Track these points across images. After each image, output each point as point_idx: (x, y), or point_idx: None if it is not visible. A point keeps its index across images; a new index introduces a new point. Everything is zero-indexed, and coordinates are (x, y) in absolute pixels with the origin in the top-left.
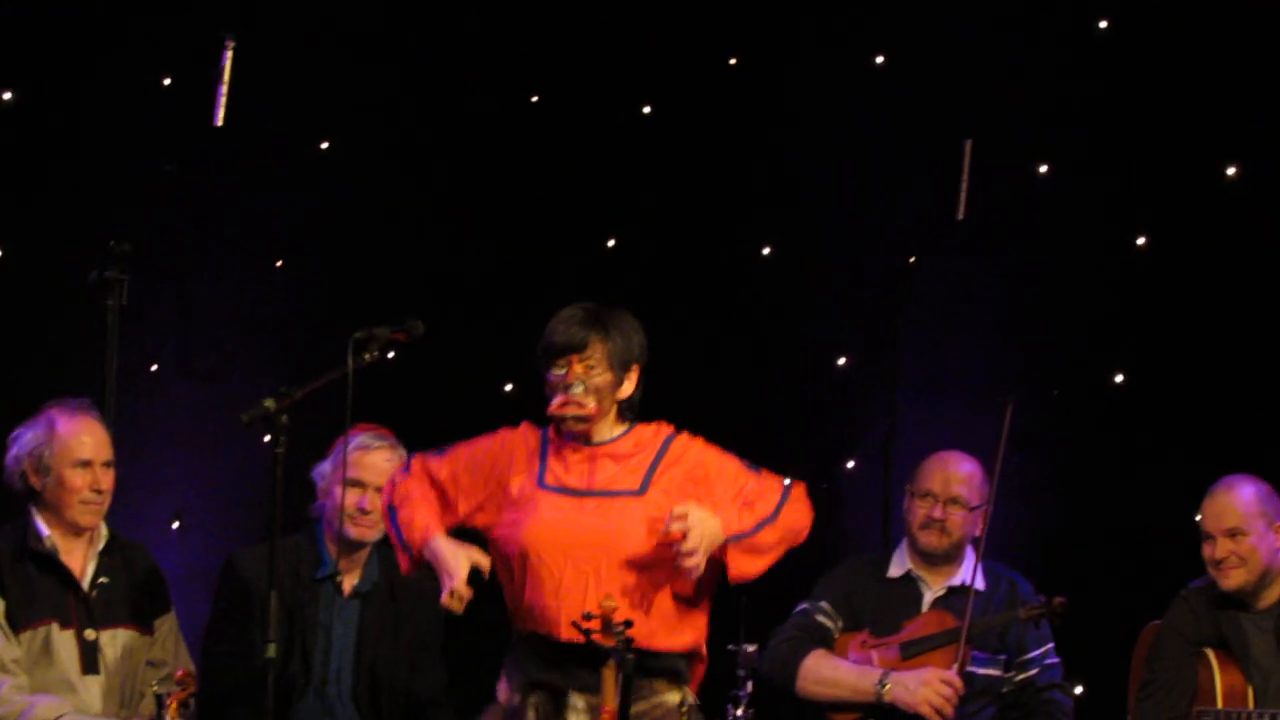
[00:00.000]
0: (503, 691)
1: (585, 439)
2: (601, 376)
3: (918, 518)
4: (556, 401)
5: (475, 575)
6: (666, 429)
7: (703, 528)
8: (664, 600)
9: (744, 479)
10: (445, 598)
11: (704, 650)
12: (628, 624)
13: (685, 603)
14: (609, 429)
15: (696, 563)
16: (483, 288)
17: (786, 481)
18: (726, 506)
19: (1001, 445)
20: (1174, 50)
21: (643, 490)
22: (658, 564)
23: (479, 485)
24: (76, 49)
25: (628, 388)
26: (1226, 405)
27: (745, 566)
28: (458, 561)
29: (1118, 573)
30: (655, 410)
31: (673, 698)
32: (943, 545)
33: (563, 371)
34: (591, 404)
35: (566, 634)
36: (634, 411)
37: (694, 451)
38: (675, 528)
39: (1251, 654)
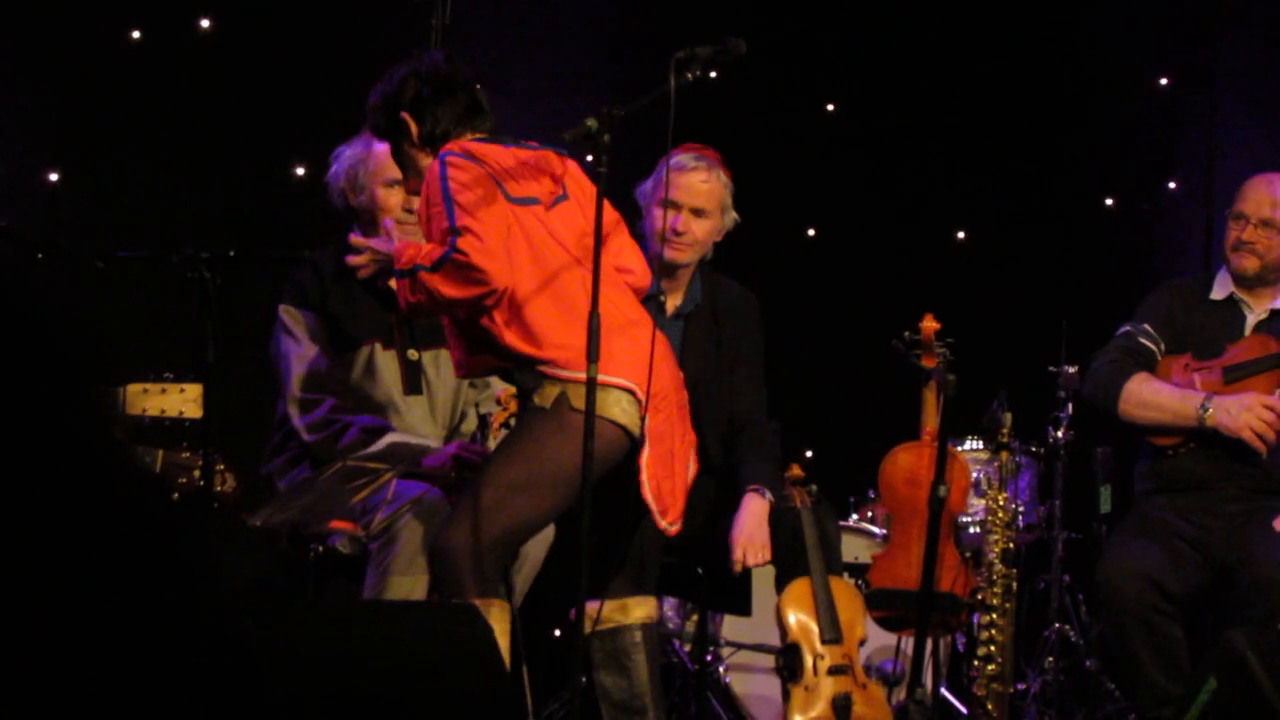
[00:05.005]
0: None
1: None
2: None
3: (1230, 239)
4: None
5: None
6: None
7: (372, 253)
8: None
9: (433, 208)
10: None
11: (545, 355)
12: (948, 341)
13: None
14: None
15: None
16: (808, 6)
17: (452, 240)
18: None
19: None
20: None
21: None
22: None
23: None
24: None
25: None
26: None
27: (404, 293)
28: None
29: None
30: (964, 116)
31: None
32: (1254, 268)
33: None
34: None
35: None
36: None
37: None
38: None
39: None
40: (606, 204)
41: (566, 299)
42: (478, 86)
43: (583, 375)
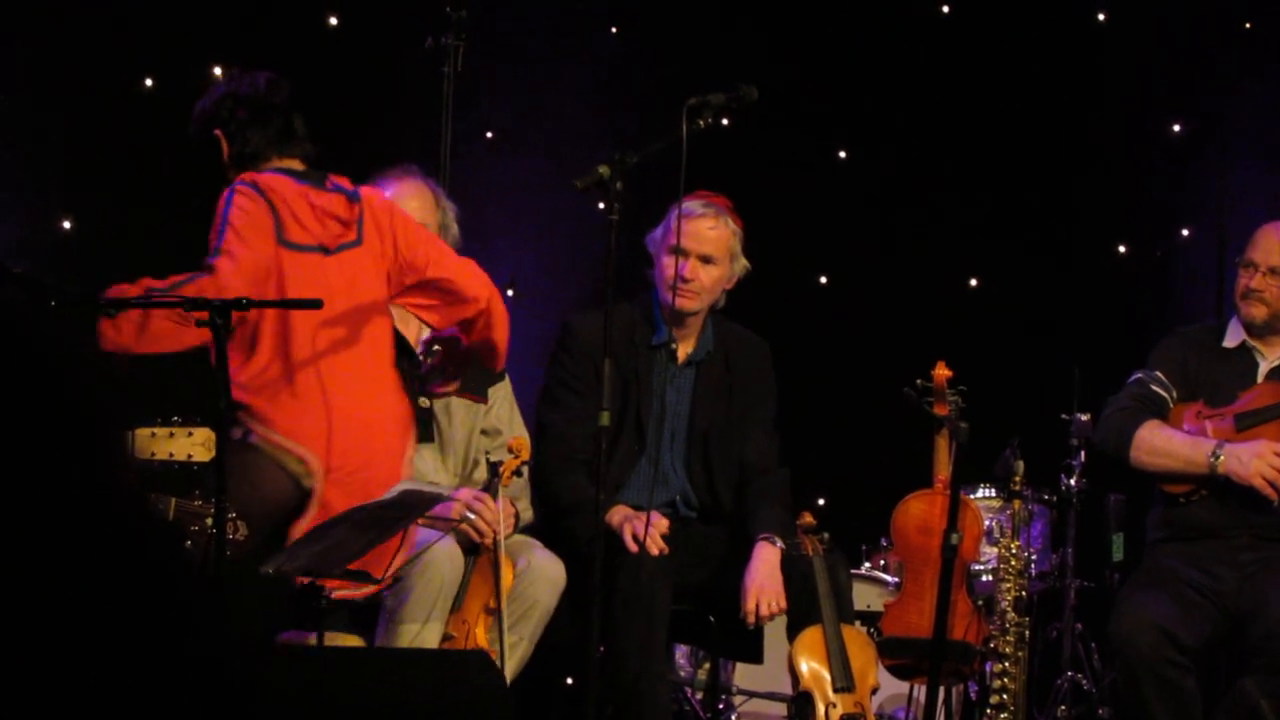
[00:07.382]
0: None
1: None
2: None
3: (1240, 287)
4: None
5: None
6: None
7: None
8: None
9: (212, 230)
10: None
11: (245, 401)
12: (960, 389)
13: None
14: None
15: None
16: (819, 54)
17: (209, 260)
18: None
19: None
20: None
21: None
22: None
23: None
24: None
25: None
26: None
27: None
28: None
29: None
30: (976, 163)
31: None
32: (1262, 316)
33: None
34: None
35: None
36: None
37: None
38: None
39: None
40: (443, 244)
41: (296, 355)
42: (295, 113)
43: (260, 432)
